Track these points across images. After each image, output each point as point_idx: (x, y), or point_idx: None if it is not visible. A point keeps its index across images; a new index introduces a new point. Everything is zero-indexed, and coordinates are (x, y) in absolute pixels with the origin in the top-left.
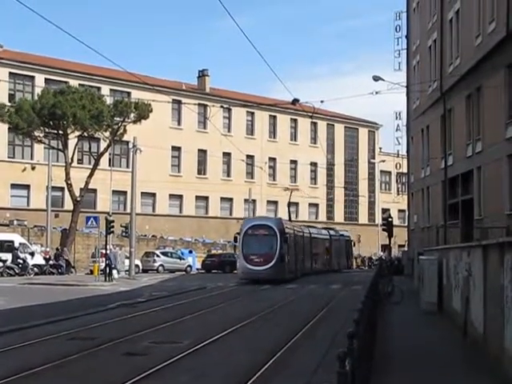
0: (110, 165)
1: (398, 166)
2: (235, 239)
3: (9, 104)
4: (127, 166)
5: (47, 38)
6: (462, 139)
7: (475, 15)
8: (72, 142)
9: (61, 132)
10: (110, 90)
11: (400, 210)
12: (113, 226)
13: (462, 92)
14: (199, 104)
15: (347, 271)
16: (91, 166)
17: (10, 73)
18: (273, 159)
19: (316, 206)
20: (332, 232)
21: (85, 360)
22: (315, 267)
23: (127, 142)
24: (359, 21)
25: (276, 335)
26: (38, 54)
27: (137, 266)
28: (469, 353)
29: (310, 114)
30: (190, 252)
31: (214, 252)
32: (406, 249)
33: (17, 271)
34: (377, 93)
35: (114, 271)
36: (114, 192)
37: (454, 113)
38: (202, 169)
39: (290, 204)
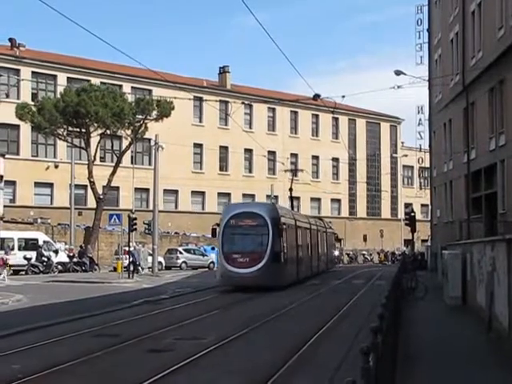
0: (132, 162)
1: (421, 160)
2: (213, 232)
3: (31, 103)
4: (149, 164)
5: (69, 37)
6: (484, 133)
7: (497, 7)
8: (94, 140)
9: (83, 130)
10: (132, 87)
11: (423, 205)
12: (135, 224)
13: (485, 85)
14: (220, 101)
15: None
16: (113, 164)
17: (33, 72)
18: (294, 155)
19: (338, 201)
20: (326, 224)
21: (109, 356)
22: (323, 267)
23: (149, 140)
24: (379, 15)
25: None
26: (60, 53)
27: (160, 262)
28: (494, 348)
29: (332, 110)
30: (213, 248)
31: None
32: (429, 243)
33: (41, 269)
34: (399, 87)
35: (140, 268)
36: (137, 189)
37: (477, 106)
38: (223, 165)
39: (291, 189)
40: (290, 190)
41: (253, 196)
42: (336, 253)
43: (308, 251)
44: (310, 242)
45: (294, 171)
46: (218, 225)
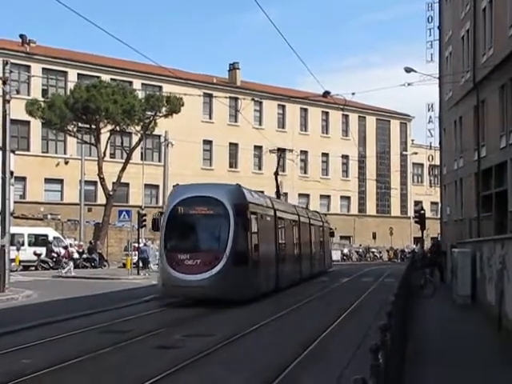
0: (142, 159)
1: (431, 158)
2: (154, 224)
3: (42, 99)
4: (159, 160)
5: (79, 34)
6: (495, 130)
7: (509, 4)
8: (104, 136)
9: (93, 126)
10: (142, 84)
11: (432, 203)
12: (145, 220)
13: (496, 82)
14: (230, 97)
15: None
16: (123, 160)
17: (43, 68)
18: (304, 152)
19: (348, 198)
20: (322, 218)
21: (118, 352)
22: (317, 268)
23: (159, 136)
24: (389, 12)
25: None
26: (71, 50)
27: None
28: (503, 346)
29: (342, 107)
30: None
31: None
32: (438, 238)
33: (51, 265)
34: (409, 84)
35: (151, 264)
36: (146, 186)
37: (488, 104)
38: (233, 162)
39: (277, 173)
40: (276, 173)
41: (262, 193)
42: (345, 250)
43: (295, 250)
44: (299, 239)
45: (282, 151)
46: (161, 213)
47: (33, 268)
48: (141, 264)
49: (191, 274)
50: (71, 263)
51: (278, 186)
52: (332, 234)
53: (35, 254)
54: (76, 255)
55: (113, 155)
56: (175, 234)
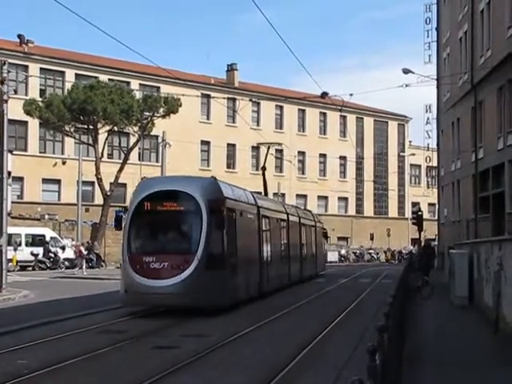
0: (139, 159)
1: (428, 159)
2: (117, 221)
3: (40, 99)
4: (157, 161)
5: (77, 34)
6: (493, 132)
7: (507, 6)
8: (102, 136)
9: (91, 127)
10: (140, 84)
11: (430, 204)
12: None
13: (494, 84)
14: (228, 98)
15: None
16: (121, 161)
17: (41, 68)
18: (302, 153)
19: (345, 199)
20: (314, 217)
21: (116, 353)
22: (308, 271)
23: (156, 137)
24: (387, 13)
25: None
26: (69, 50)
27: None
28: (501, 348)
29: (339, 108)
30: None
31: None
32: (436, 243)
33: (48, 265)
34: (407, 86)
35: None
36: None
37: (485, 105)
38: (231, 163)
39: (264, 168)
40: (263, 169)
41: (259, 194)
42: (342, 251)
43: (282, 252)
44: (287, 239)
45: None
46: (126, 210)
47: (30, 268)
48: None
49: (157, 278)
50: (84, 262)
51: (265, 183)
52: (326, 235)
53: (32, 254)
54: (72, 255)
55: (110, 155)
56: (140, 233)
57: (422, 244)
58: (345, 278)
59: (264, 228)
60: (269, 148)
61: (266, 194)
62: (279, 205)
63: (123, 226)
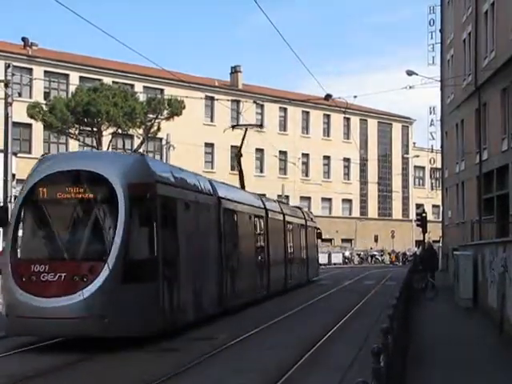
0: None
1: (432, 161)
2: (1, 215)
3: (44, 102)
4: None
5: (81, 37)
6: (497, 133)
7: (511, 7)
8: (106, 139)
9: (95, 129)
10: (144, 87)
11: (434, 206)
12: None
13: (497, 85)
14: (232, 100)
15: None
16: None
17: (45, 71)
18: (306, 155)
19: (349, 201)
20: (305, 215)
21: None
22: (296, 279)
23: (160, 139)
24: (391, 15)
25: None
26: (73, 53)
27: None
28: (505, 350)
29: (343, 110)
30: None
31: None
32: (440, 244)
33: None
34: (410, 87)
35: None
36: None
37: (489, 107)
38: (235, 165)
39: (240, 152)
40: (239, 154)
41: (263, 196)
42: (347, 253)
43: (257, 256)
44: (266, 241)
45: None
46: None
47: None
48: None
49: (50, 296)
50: None
51: (241, 173)
52: (319, 235)
53: None
54: None
55: None
56: (29, 231)
57: (425, 246)
58: (349, 280)
59: (228, 226)
60: (246, 130)
61: (242, 185)
62: (255, 198)
63: (9, 221)
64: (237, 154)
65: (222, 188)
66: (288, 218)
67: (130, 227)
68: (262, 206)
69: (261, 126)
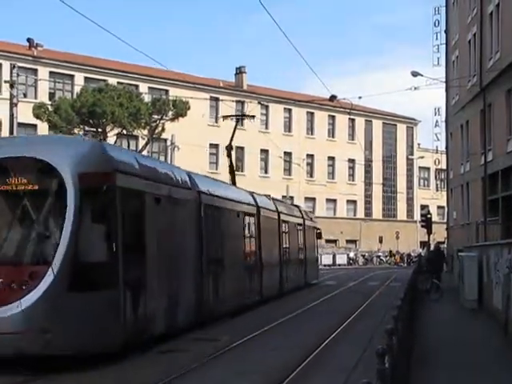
0: None
1: (437, 162)
2: None
3: (49, 103)
4: None
5: (86, 37)
6: (502, 134)
7: None
8: (111, 139)
9: (100, 130)
10: (149, 87)
11: (439, 207)
12: None
13: (503, 86)
14: (237, 101)
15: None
16: None
17: (50, 72)
18: (310, 156)
19: (354, 202)
20: (303, 214)
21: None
22: (292, 282)
23: (165, 140)
24: (396, 16)
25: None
26: (78, 53)
27: None
28: (510, 352)
29: (348, 111)
30: None
31: None
32: (445, 246)
33: None
34: (415, 88)
35: None
36: None
37: (494, 108)
38: (239, 166)
39: (230, 145)
40: (229, 147)
41: (268, 197)
42: (351, 254)
43: (247, 257)
44: (257, 241)
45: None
46: None
47: None
48: None
49: None
50: None
51: (231, 166)
52: (319, 236)
53: None
54: None
55: None
56: None
57: (432, 247)
58: (353, 281)
59: (210, 224)
60: (237, 122)
61: (233, 181)
62: (245, 195)
63: None
64: (227, 147)
65: (204, 182)
66: (283, 217)
67: (80, 225)
68: (253, 203)
69: (253, 117)
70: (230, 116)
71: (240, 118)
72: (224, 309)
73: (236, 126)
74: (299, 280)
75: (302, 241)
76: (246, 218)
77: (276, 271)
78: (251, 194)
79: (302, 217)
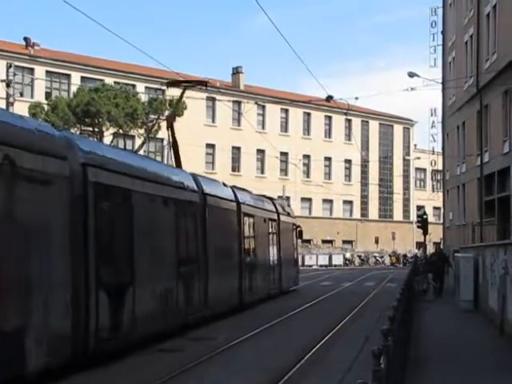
0: None
1: (433, 162)
2: None
3: (45, 102)
4: None
5: (83, 36)
6: (498, 136)
7: None
8: (107, 139)
9: (96, 129)
10: (146, 87)
11: (435, 208)
12: None
13: (499, 88)
14: (233, 101)
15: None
16: None
17: (47, 71)
18: (307, 156)
19: (350, 203)
20: (278, 208)
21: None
22: (245, 295)
23: (162, 139)
24: (393, 16)
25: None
26: (75, 52)
27: None
28: (505, 352)
29: (345, 111)
30: None
31: None
32: (441, 246)
33: None
34: (412, 89)
35: None
36: None
37: (491, 109)
38: (236, 166)
39: (173, 118)
40: (170, 117)
41: (264, 197)
42: (347, 255)
43: (200, 260)
44: (201, 239)
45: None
46: None
47: None
48: None
49: None
50: None
51: (174, 142)
52: (300, 234)
53: None
54: None
55: None
56: None
57: (434, 250)
58: (349, 282)
59: (144, 217)
60: (185, 89)
61: (178, 161)
62: (182, 177)
63: None
64: (168, 116)
65: (139, 164)
66: (246, 209)
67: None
68: (195, 189)
69: (206, 85)
70: (179, 82)
71: (189, 84)
72: (143, 331)
73: (183, 92)
74: (270, 288)
75: (276, 240)
76: (181, 208)
77: (232, 278)
78: (194, 176)
79: (277, 211)
